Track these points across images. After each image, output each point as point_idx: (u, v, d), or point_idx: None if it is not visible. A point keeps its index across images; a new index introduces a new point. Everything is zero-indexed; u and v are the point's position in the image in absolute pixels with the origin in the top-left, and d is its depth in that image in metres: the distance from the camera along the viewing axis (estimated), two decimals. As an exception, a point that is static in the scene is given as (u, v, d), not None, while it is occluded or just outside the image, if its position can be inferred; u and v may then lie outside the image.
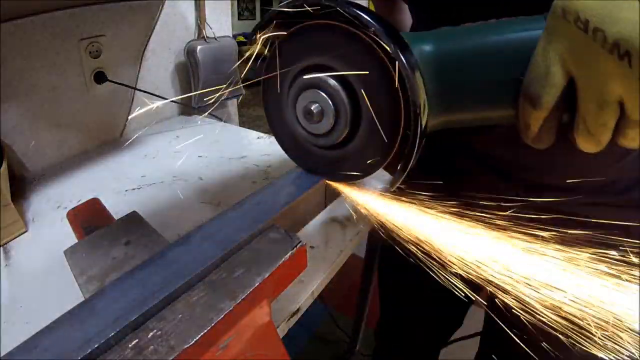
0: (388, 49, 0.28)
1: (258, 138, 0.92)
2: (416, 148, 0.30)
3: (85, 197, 0.51)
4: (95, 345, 0.23)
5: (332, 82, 0.33)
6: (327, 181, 0.39)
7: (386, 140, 0.33)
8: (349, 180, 0.38)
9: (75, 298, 0.28)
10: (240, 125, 1.18)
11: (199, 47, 0.97)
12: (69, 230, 0.44)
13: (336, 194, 0.42)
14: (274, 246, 0.32)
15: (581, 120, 0.26)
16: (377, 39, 0.29)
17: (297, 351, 1.30)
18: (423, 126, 0.30)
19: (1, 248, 0.55)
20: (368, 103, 0.32)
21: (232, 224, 0.34)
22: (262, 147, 0.86)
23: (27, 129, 0.71)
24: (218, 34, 1.04)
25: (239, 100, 1.24)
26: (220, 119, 1.09)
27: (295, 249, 0.32)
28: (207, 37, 1.02)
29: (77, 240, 0.40)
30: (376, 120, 0.32)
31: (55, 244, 0.51)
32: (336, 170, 0.38)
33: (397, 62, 0.28)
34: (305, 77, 0.34)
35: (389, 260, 0.82)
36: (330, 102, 0.33)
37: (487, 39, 0.30)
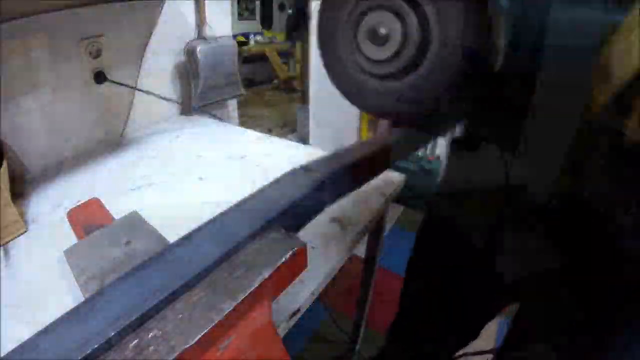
0: None
1: (258, 138, 0.92)
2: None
3: (85, 197, 0.51)
4: (95, 345, 0.23)
5: (403, 3, 0.30)
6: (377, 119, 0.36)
7: (453, 77, 0.30)
8: (406, 124, 0.35)
9: (75, 298, 0.28)
10: (240, 125, 1.18)
11: (199, 47, 0.97)
12: (69, 230, 0.44)
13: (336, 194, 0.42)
14: (274, 246, 0.32)
15: None
16: None
17: (297, 351, 1.30)
18: (496, 69, 0.29)
19: (1, 248, 0.55)
20: (440, 31, 0.29)
21: (232, 224, 0.34)
22: (262, 147, 0.86)
23: (27, 129, 0.71)
24: (218, 34, 1.04)
25: (239, 101, 1.25)
26: (220, 119, 1.09)
27: (295, 248, 0.32)
28: (207, 37, 1.02)
29: (77, 240, 0.40)
30: (447, 51, 0.29)
31: (55, 244, 0.51)
32: (394, 106, 0.35)
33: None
34: None
35: (425, 261, 0.79)
36: (400, 24, 0.31)
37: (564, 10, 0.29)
